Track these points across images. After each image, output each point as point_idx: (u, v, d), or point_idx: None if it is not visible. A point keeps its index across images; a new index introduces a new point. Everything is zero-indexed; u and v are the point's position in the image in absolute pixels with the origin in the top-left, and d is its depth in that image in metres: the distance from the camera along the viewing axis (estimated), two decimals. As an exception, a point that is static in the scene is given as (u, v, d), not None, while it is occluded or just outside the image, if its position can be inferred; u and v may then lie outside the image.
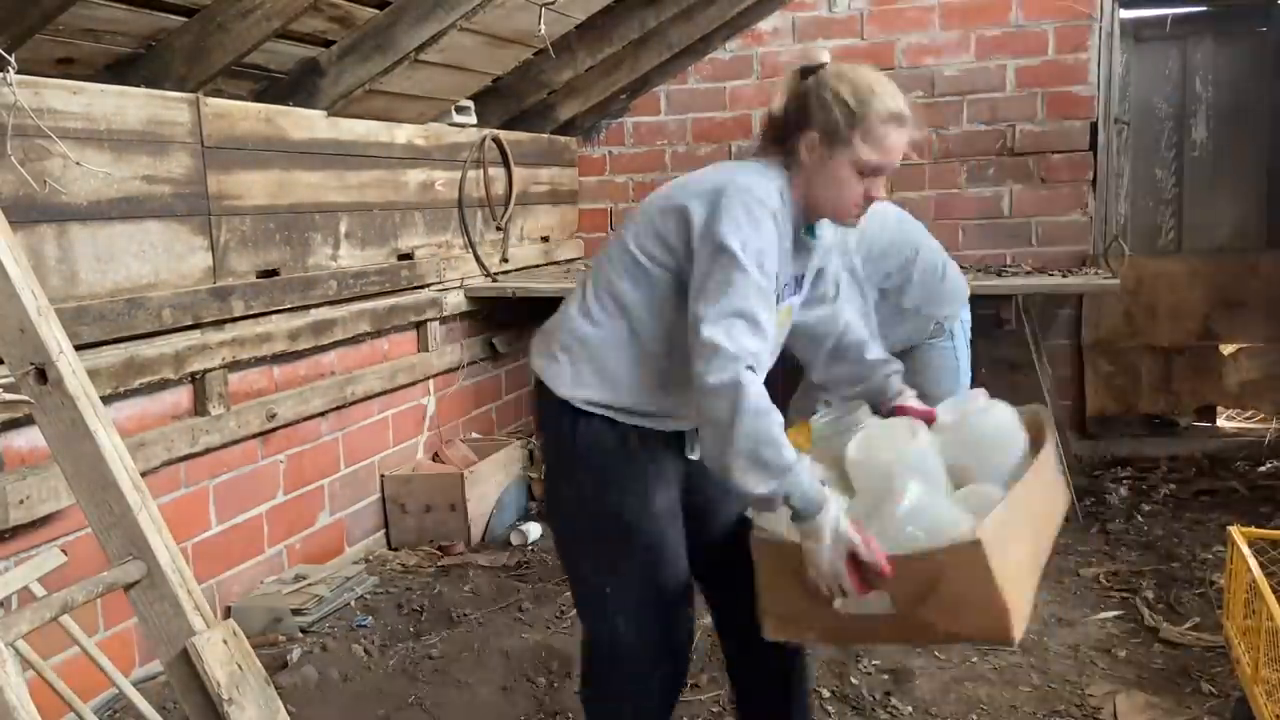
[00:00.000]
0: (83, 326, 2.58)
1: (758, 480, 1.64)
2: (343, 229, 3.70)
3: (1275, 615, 2.10)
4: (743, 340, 1.66)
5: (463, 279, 4.48)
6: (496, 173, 4.71)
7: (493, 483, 4.17)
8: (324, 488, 3.68)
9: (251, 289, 3.22)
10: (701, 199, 1.77)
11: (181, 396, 3.03)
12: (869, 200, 1.83)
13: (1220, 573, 3.31)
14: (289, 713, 1.75)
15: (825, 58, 1.83)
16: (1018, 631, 1.68)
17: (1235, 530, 2.51)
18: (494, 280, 4.65)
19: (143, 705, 2.06)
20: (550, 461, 1.99)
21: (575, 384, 1.85)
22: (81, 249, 2.63)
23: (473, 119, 4.40)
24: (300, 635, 3.15)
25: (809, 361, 2.16)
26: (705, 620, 3.16)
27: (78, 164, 2.56)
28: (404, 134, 4.04)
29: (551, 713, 2.71)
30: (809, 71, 1.82)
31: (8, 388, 1.66)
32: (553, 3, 3.57)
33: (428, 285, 4.22)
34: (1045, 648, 3.01)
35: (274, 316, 3.35)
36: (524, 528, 4.03)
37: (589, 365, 1.84)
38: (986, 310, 4.58)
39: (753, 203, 1.74)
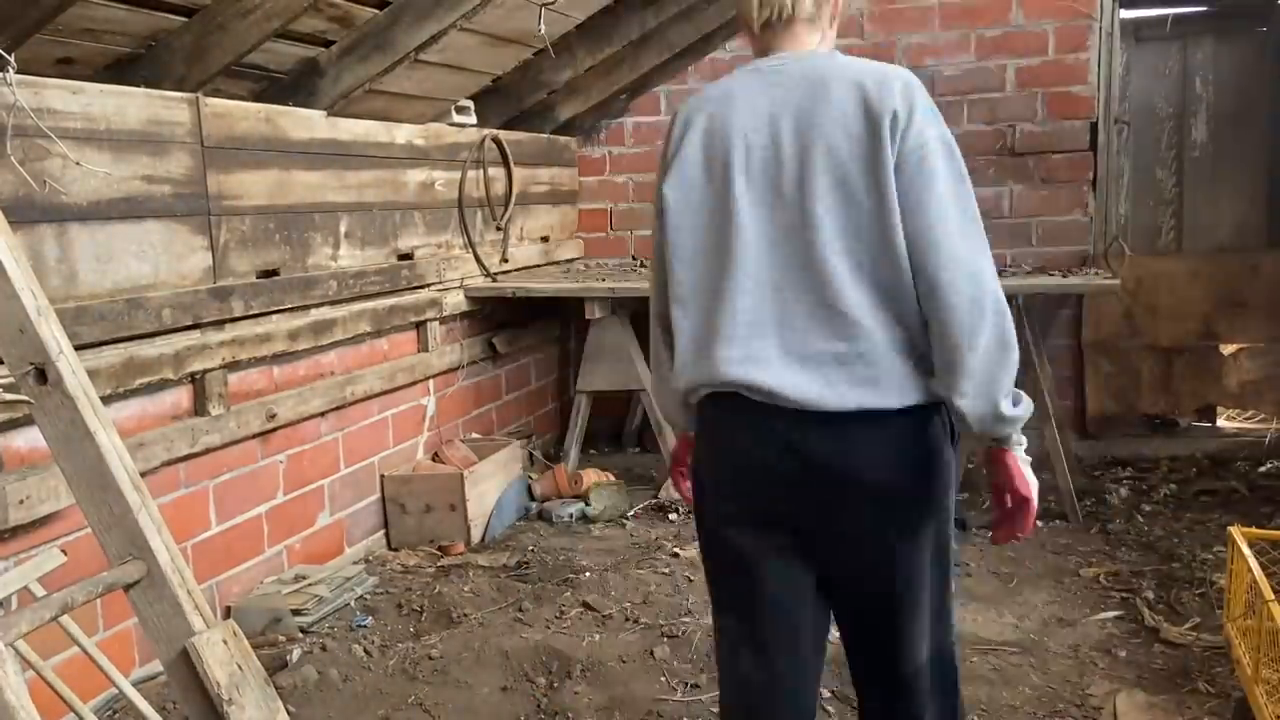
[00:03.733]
0: (83, 326, 2.58)
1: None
2: (343, 229, 3.70)
3: (1275, 615, 2.10)
4: None
5: (463, 279, 4.48)
6: (496, 173, 4.71)
7: (492, 483, 4.17)
8: (324, 488, 3.68)
9: (251, 289, 3.22)
10: None
11: (181, 396, 3.02)
12: None
13: (1220, 573, 3.31)
14: (289, 713, 1.75)
15: None
16: None
17: (1235, 530, 2.51)
18: (494, 280, 4.65)
19: (143, 705, 2.06)
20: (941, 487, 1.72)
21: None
22: (81, 249, 2.63)
23: (473, 119, 4.40)
24: (300, 635, 3.14)
25: None
26: (705, 620, 3.16)
27: (78, 164, 2.56)
28: (404, 134, 4.04)
29: (551, 713, 2.71)
30: None
31: (8, 388, 1.66)
32: (553, 3, 3.57)
33: (428, 285, 4.22)
34: (1045, 648, 3.01)
35: (274, 316, 3.35)
36: None
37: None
38: (986, 310, 4.57)
39: None
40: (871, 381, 1.63)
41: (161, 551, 1.64)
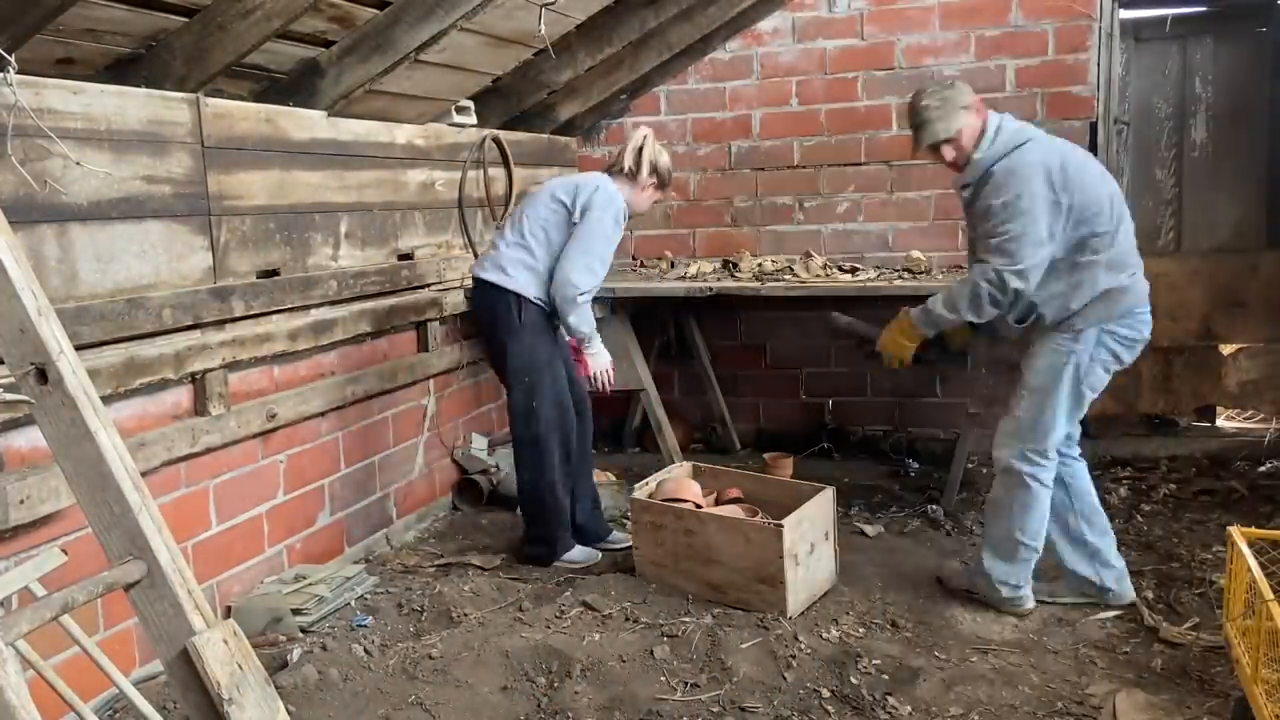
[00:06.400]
0: (83, 326, 2.58)
1: (582, 328, 3.68)
2: (343, 229, 3.70)
3: (1275, 615, 2.10)
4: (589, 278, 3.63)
5: (463, 279, 4.48)
6: (496, 173, 4.71)
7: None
8: (324, 488, 3.68)
9: (251, 289, 3.22)
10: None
11: (182, 396, 3.03)
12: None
13: (1220, 573, 3.32)
14: (289, 713, 1.75)
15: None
16: None
17: (1235, 530, 2.51)
18: (494, 280, 4.64)
19: (143, 705, 2.06)
20: (503, 331, 3.65)
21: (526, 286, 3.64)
22: (82, 249, 2.63)
23: (473, 119, 4.40)
24: (300, 635, 3.15)
25: None
26: (705, 620, 3.17)
27: (78, 164, 2.56)
28: (404, 134, 4.04)
29: (551, 712, 2.71)
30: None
31: (8, 388, 1.66)
32: (553, 3, 3.57)
33: (428, 285, 4.22)
34: (1045, 648, 3.01)
35: (274, 316, 3.35)
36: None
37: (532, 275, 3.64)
38: (986, 310, 4.57)
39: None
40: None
41: (162, 551, 1.64)
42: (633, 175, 3.74)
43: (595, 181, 3.67)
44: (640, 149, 3.75)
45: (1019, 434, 3.15)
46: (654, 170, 3.78)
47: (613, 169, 3.78)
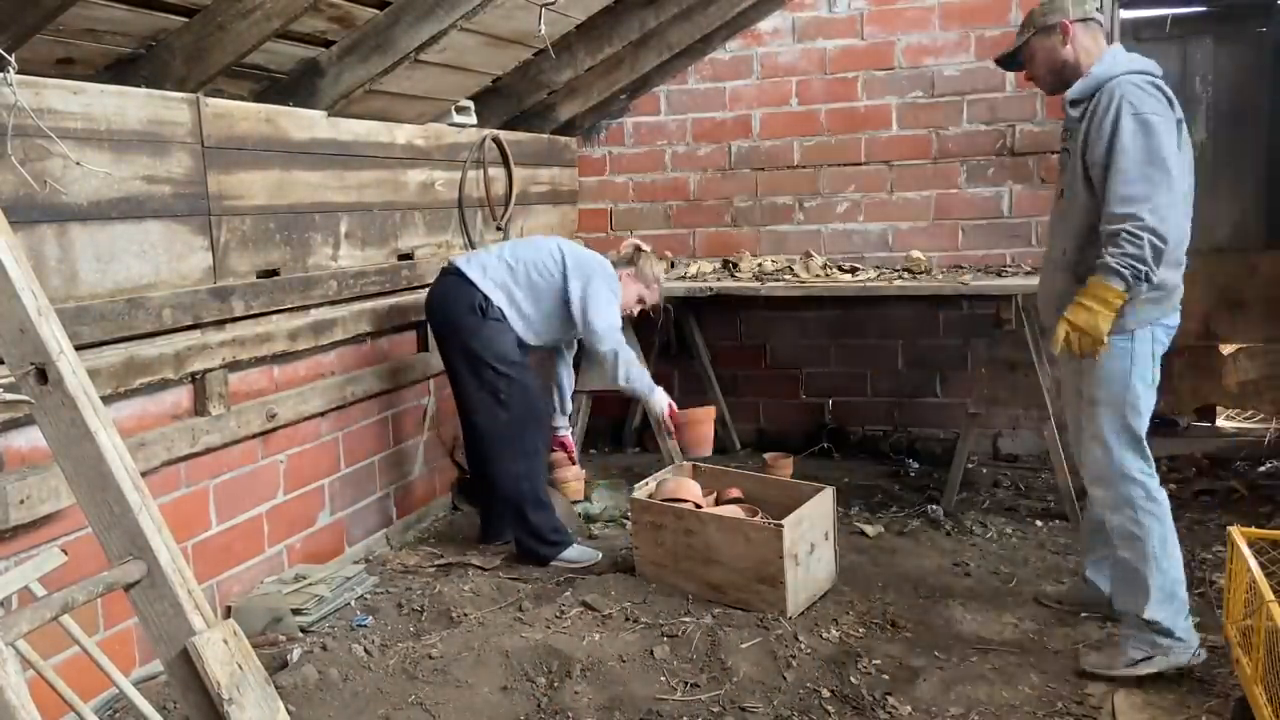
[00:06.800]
0: (83, 326, 2.58)
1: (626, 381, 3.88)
2: (343, 229, 3.70)
3: (1275, 615, 2.10)
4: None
5: (463, 279, 4.48)
6: (496, 173, 4.71)
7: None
8: (324, 488, 3.69)
9: (251, 289, 3.22)
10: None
11: (182, 396, 3.03)
12: None
13: (1220, 573, 3.32)
14: (289, 713, 1.75)
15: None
16: None
17: (1235, 530, 2.52)
18: (494, 280, 4.64)
19: (143, 705, 2.06)
20: (467, 321, 3.69)
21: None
22: (82, 249, 2.63)
23: (473, 119, 4.40)
24: (300, 635, 3.15)
25: None
26: (705, 620, 3.17)
27: (78, 164, 2.56)
28: (404, 134, 4.04)
29: (551, 713, 2.71)
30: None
31: (8, 388, 1.66)
32: (553, 3, 3.57)
33: (428, 285, 4.21)
34: (1045, 647, 3.01)
35: (274, 316, 3.35)
36: None
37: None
38: (986, 310, 4.58)
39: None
40: None
41: (162, 551, 1.64)
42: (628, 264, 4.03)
43: (595, 261, 3.85)
44: (637, 248, 4.13)
45: (1115, 450, 2.81)
46: (631, 262, 4.05)
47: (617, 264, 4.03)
